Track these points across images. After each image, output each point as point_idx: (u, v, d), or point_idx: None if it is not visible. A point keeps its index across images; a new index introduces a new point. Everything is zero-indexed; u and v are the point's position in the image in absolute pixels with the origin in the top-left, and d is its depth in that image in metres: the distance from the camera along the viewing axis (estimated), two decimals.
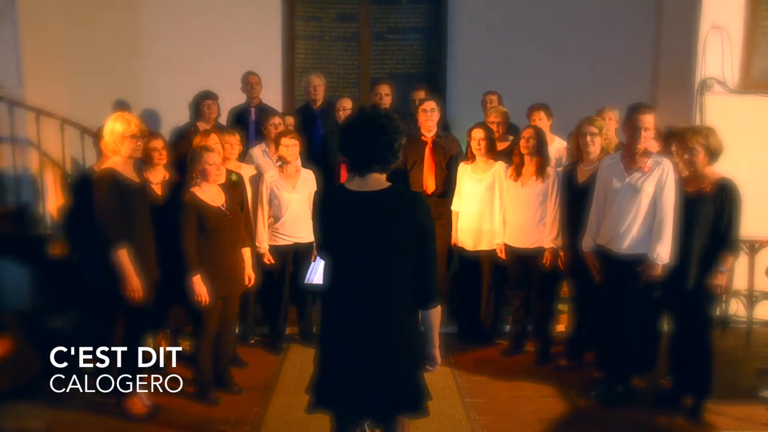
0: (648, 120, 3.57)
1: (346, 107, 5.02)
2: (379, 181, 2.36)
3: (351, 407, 2.39)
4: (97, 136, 3.99)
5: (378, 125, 2.30)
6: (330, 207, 2.41)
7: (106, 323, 3.73)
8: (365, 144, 2.31)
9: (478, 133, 4.53)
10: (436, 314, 2.41)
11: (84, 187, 3.78)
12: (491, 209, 4.55)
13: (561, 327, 4.72)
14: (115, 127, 3.45)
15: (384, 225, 2.31)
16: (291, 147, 4.43)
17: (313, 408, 2.47)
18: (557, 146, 5.02)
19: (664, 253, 3.54)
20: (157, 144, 3.94)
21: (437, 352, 2.46)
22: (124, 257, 3.39)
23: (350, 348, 2.37)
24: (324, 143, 5.21)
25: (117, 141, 3.45)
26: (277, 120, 4.90)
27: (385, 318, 2.34)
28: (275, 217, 4.51)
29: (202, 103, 5.27)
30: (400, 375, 2.38)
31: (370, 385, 2.36)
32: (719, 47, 5.10)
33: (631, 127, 3.62)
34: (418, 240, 2.31)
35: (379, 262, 2.32)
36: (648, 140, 3.62)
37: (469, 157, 4.63)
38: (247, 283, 4.01)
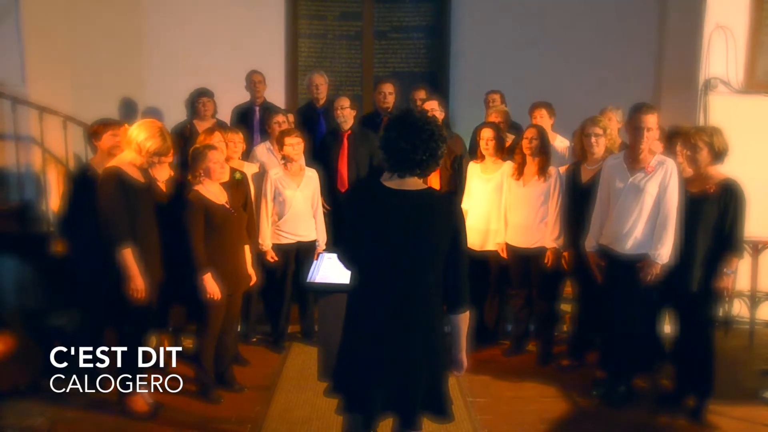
0: (650, 120, 3.55)
1: (344, 106, 5.00)
2: (416, 182, 2.35)
3: (378, 407, 2.36)
4: (94, 133, 3.89)
5: (428, 131, 2.28)
6: (365, 202, 2.38)
7: (103, 322, 3.75)
8: (412, 147, 2.27)
9: (486, 133, 4.52)
10: (465, 318, 2.41)
11: (82, 183, 3.78)
12: (498, 209, 4.53)
13: (563, 327, 4.72)
14: (148, 144, 3.43)
15: (421, 225, 2.30)
16: (296, 146, 4.43)
17: (344, 410, 2.44)
18: (559, 145, 5.01)
19: (664, 253, 3.53)
20: None
21: (464, 357, 2.47)
22: (129, 257, 3.38)
23: (380, 348, 2.34)
24: (324, 142, 5.21)
25: (142, 152, 3.45)
26: (280, 118, 4.90)
27: (417, 318, 2.34)
28: (279, 215, 4.51)
29: (197, 100, 5.30)
30: (428, 376, 2.36)
31: (398, 386, 2.34)
32: (723, 47, 5.08)
33: (633, 127, 3.60)
34: (452, 243, 2.31)
35: (413, 261, 2.31)
36: (651, 140, 3.61)
37: (479, 156, 4.62)
38: (248, 281, 4.01)
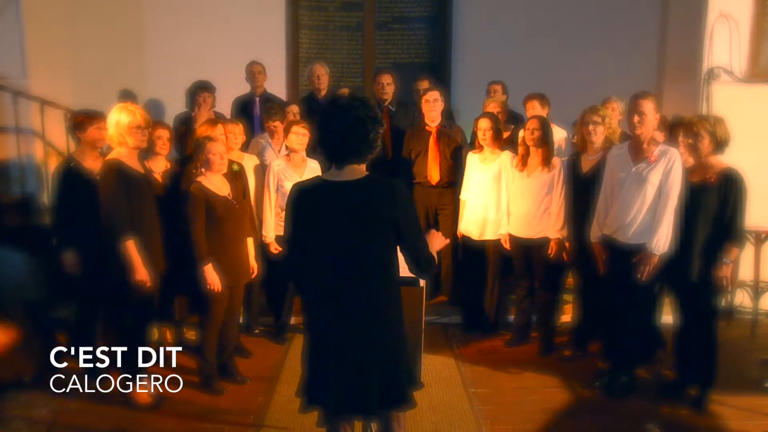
0: (644, 105, 3.54)
1: None
2: (355, 171, 2.31)
3: (337, 404, 2.36)
4: (78, 124, 3.81)
5: (354, 116, 2.23)
6: (304, 198, 2.34)
7: (103, 316, 3.75)
8: (340, 136, 2.25)
9: (484, 123, 4.51)
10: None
11: (68, 177, 3.75)
12: (497, 199, 4.53)
13: (566, 317, 4.72)
14: (121, 119, 3.43)
15: (359, 214, 2.26)
16: (301, 136, 4.41)
17: (305, 408, 2.44)
18: (555, 136, 4.98)
19: (660, 243, 3.51)
20: (162, 133, 3.93)
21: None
22: (132, 249, 3.39)
23: (333, 342, 2.34)
24: None
25: (123, 133, 3.44)
26: (276, 123, 4.79)
27: (366, 309, 2.32)
28: (281, 207, 4.50)
29: (197, 93, 5.19)
30: (383, 368, 2.34)
31: (354, 380, 2.33)
32: (726, 36, 5.06)
33: (628, 112, 3.64)
34: (397, 230, 2.26)
35: (356, 251, 2.28)
36: (647, 126, 3.57)
37: (477, 146, 4.62)
38: (250, 273, 4.01)
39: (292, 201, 2.36)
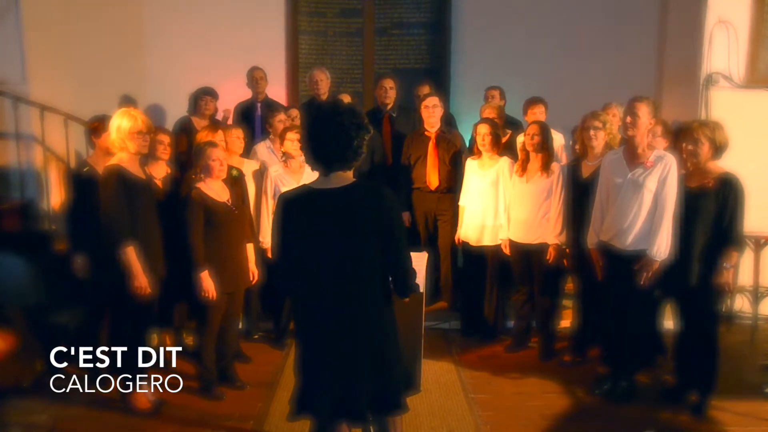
0: (638, 107, 3.53)
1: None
2: (342, 178, 2.31)
3: (328, 410, 2.36)
4: (94, 129, 3.90)
5: (336, 123, 2.24)
6: (291, 207, 2.34)
7: (104, 319, 3.75)
8: (323, 143, 2.26)
9: (483, 129, 4.52)
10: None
11: (79, 182, 3.79)
12: (495, 205, 4.54)
13: (565, 323, 4.72)
14: (122, 124, 3.43)
15: (347, 221, 2.26)
16: (296, 141, 4.41)
17: (293, 416, 2.45)
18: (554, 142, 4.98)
19: (661, 249, 3.51)
20: (163, 138, 3.94)
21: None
22: (131, 255, 3.39)
23: (323, 350, 2.35)
24: None
25: (124, 138, 3.44)
26: (282, 116, 4.87)
27: (356, 316, 2.32)
28: None
29: (200, 97, 5.27)
30: (374, 375, 2.34)
31: (344, 388, 2.33)
32: (725, 42, 5.07)
33: (623, 114, 3.64)
34: (386, 233, 2.26)
35: (345, 259, 2.28)
36: (638, 128, 3.55)
37: (476, 152, 4.63)
38: (251, 279, 4.01)
39: (280, 211, 2.37)
